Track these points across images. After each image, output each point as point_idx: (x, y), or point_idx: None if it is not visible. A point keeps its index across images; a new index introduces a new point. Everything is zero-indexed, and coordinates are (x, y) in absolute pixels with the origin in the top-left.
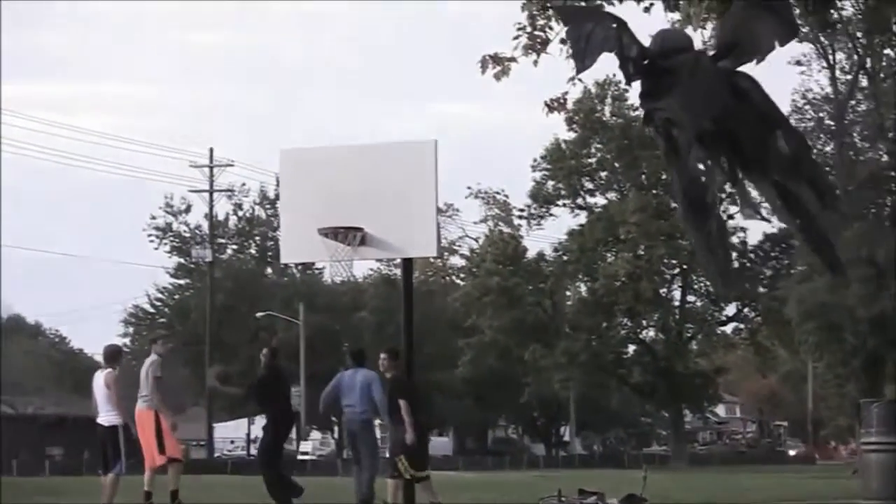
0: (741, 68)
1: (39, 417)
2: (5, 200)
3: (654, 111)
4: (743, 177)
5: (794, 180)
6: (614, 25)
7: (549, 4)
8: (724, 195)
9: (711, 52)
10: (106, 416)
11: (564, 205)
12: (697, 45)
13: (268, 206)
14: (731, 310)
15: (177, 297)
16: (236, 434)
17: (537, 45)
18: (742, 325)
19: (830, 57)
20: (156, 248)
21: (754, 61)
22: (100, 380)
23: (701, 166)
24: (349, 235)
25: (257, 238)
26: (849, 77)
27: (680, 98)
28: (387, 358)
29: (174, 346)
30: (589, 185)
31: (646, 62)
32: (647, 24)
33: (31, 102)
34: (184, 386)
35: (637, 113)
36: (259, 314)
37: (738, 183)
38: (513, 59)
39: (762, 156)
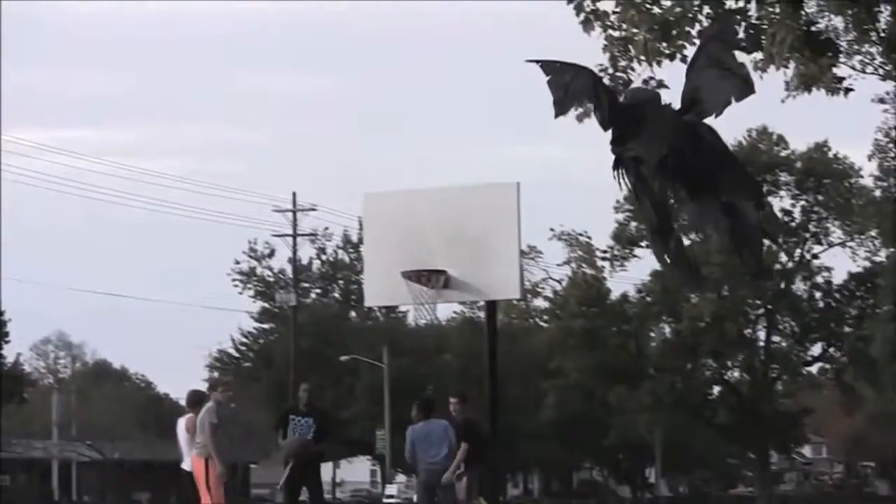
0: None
1: (126, 462)
2: (91, 248)
3: (624, 153)
4: (693, 198)
5: (737, 199)
6: (591, 78)
7: (528, 60)
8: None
9: (678, 107)
10: (189, 461)
11: (648, 246)
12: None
13: (351, 250)
14: (816, 350)
15: (261, 341)
16: (322, 478)
17: (619, 86)
18: (828, 365)
19: None
20: (240, 293)
21: (713, 115)
22: (182, 424)
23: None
24: (433, 278)
25: (341, 282)
26: None
27: (646, 139)
28: (456, 402)
29: (233, 394)
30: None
31: (617, 111)
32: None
33: (111, 148)
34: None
35: None
36: (343, 358)
37: (687, 203)
38: None
39: (713, 182)
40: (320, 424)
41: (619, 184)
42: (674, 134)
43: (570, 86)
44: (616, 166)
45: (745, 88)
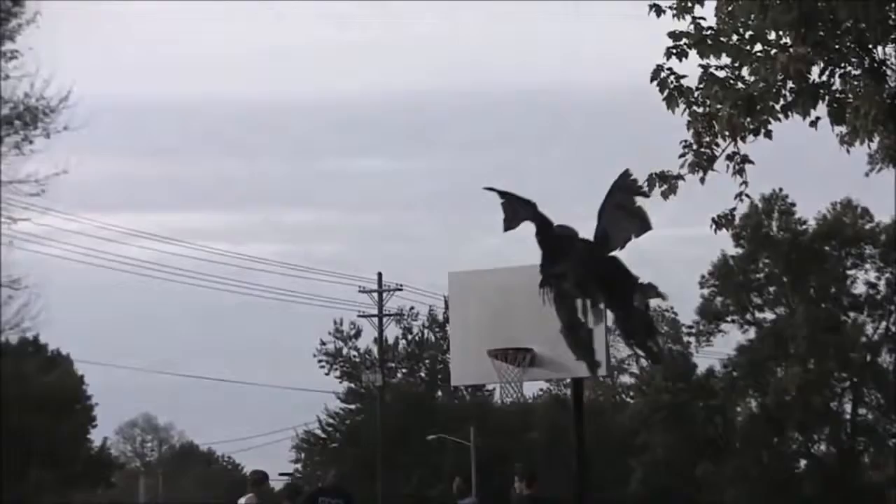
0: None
1: None
2: (169, 328)
3: (552, 271)
4: (607, 305)
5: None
6: (533, 207)
7: (484, 188)
8: (892, 306)
9: (591, 240)
10: None
11: (733, 320)
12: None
13: (437, 329)
14: None
15: (348, 421)
16: None
17: (704, 162)
18: None
19: None
20: (326, 374)
21: (618, 248)
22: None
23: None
24: (518, 356)
25: (427, 361)
26: None
27: (571, 263)
28: (523, 482)
29: (273, 489)
30: (757, 301)
31: (549, 236)
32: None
33: (195, 231)
34: None
35: (804, 227)
36: (430, 437)
37: (600, 307)
38: (680, 177)
39: (619, 291)
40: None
41: (543, 299)
42: (589, 260)
43: (517, 210)
44: (542, 283)
45: (643, 227)
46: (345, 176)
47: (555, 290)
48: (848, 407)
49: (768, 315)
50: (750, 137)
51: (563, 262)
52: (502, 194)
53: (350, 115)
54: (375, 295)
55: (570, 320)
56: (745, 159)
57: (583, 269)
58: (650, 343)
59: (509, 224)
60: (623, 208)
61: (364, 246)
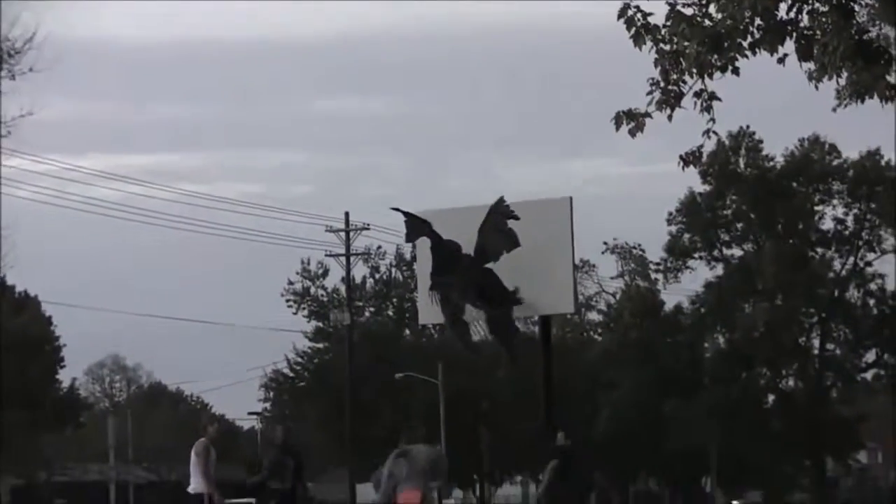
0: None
1: (183, 484)
2: (140, 268)
3: (440, 279)
4: (481, 307)
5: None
6: (429, 225)
7: (392, 207)
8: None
9: (472, 254)
10: (193, 485)
11: (701, 257)
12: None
13: (404, 268)
14: (871, 356)
15: (316, 360)
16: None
17: (671, 100)
18: (882, 371)
19: None
20: (294, 313)
21: (493, 261)
22: (193, 450)
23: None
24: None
25: (395, 300)
26: None
27: (456, 275)
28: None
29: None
30: (725, 237)
31: (440, 249)
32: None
33: (165, 172)
34: (324, 449)
35: (771, 164)
36: (398, 375)
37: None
38: (647, 115)
39: (492, 296)
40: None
41: (432, 301)
42: (470, 271)
43: (416, 227)
44: (432, 288)
45: (513, 243)
46: (314, 117)
47: (441, 294)
48: (816, 342)
49: (736, 251)
50: (717, 74)
51: (450, 272)
52: (405, 214)
53: (320, 55)
54: (343, 234)
55: (453, 319)
56: (713, 96)
57: (465, 279)
58: (509, 341)
59: (410, 238)
60: (497, 229)
61: (333, 186)
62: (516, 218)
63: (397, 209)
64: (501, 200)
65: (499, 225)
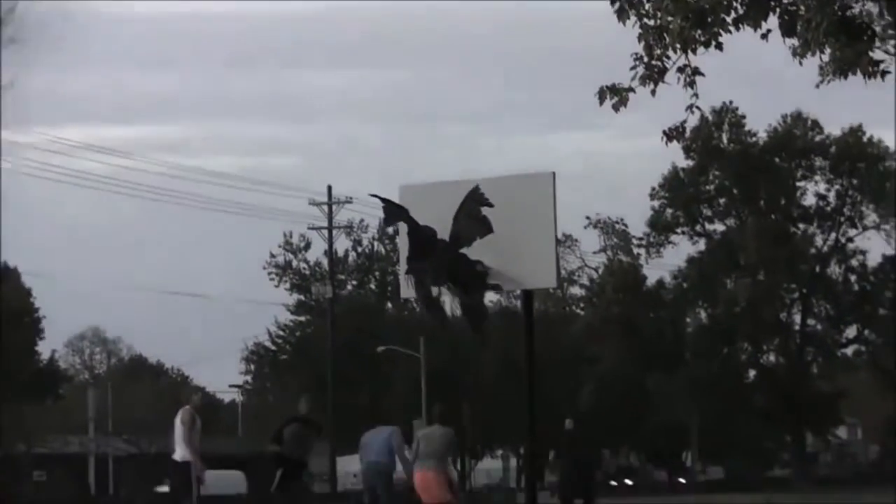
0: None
1: (163, 457)
2: (122, 241)
3: (416, 265)
4: (454, 293)
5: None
6: (406, 211)
7: (370, 194)
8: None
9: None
10: (179, 452)
11: (683, 232)
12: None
13: (387, 242)
14: (851, 332)
15: (298, 333)
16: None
17: (655, 75)
18: (863, 347)
19: None
20: (276, 286)
21: (467, 246)
22: (177, 418)
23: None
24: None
25: (377, 274)
26: None
27: (431, 260)
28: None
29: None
30: (707, 212)
31: (417, 234)
32: (764, 50)
33: (148, 144)
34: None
35: (754, 139)
36: (380, 349)
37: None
38: (630, 90)
39: (465, 281)
40: None
41: (408, 284)
42: (447, 256)
43: (394, 212)
44: (407, 272)
45: (487, 229)
46: (299, 89)
47: (416, 278)
48: (797, 318)
49: (718, 227)
50: (701, 50)
51: (425, 258)
52: (383, 200)
53: (304, 27)
54: (326, 208)
55: (427, 301)
56: (696, 71)
57: (439, 265)
58: (479, 325)
59: (387, 223)
60: (472, 216)
61: (316, 159)
62: (490, 205)
63: (375, 195)
64: (476, 189)
65: (473, 212)
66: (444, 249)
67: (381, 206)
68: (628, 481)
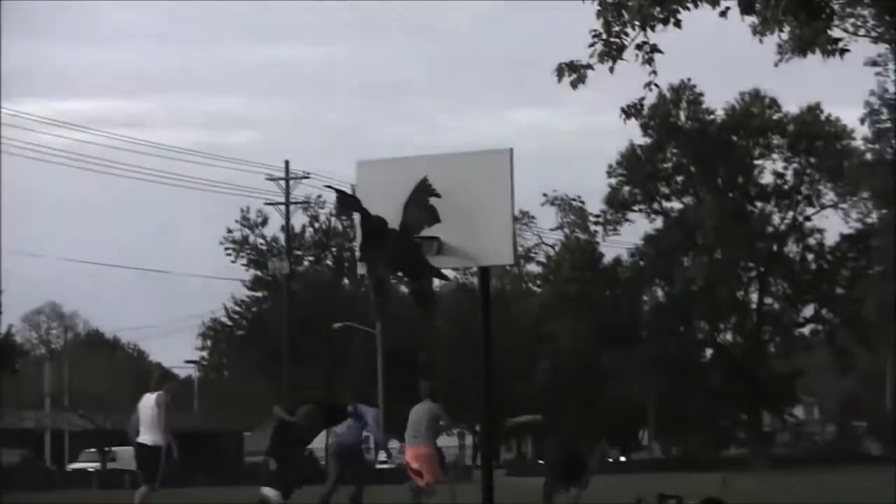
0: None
1: (118, 431)
2: (82, 216)
3: (368, 253)
4: (403, 275)
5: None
6: (360, 202)
7: (325, 185)
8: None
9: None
10: (153, 437)
11: (640, 210)
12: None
13: (344, 218)
14: (808, 311)
15: (254, 309)
16: (315, 444)
17: (613, 52)
18: (820, 327)
19: None
20: (233, 262)
21: (416, 234)
22: (150, 400)
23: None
24: (425, 245)
25: (334, 250)
26: None
27: (383, 248)
28: None
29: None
30: (665, 190)
31: (369, 222)
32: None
33: (105, 119)
34: (262, 397)
35: (712, 117)
36: (336, 325)
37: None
38: (589, 67)
39: (413, 267)
40: None
41: (359, 271)
42: (396, 245)
43: (347, 203)
44: (360, 259)
45: (434, 219)
46: (256, 64)
47: (368, 265)
48: (754, 297)
49: (675, 205)
50: (659, 27)
51: (376, 246)
52: (336, 191)
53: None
54: (283, 183)
55: (377, 284)
56: (654, 49)
57: (389, 253)
58: (429, 310)
59: (341, 212)
60: (420, 206)
61: (273, 134)
62: (438, 195)
63: (330, 187)
64: (424, 180)
65: (421, 202)
66: (394, 238)
67: (340, 174)
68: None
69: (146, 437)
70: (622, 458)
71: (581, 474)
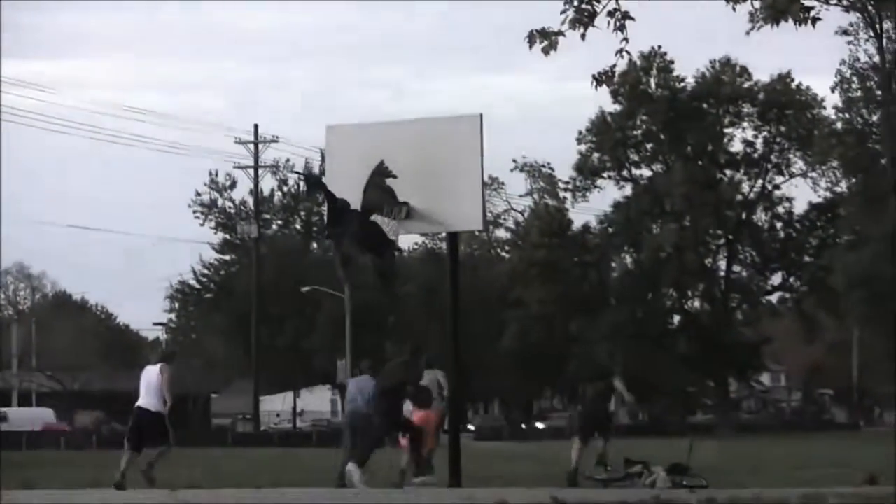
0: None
1: (86, 393)
2: (50, 178)
3: (334, 231)
4: (363, 251)
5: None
6: (326, 187)
7: (292, 171)
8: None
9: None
10: (156, 404)
11: (610, 177)
12: None
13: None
14: (776, 279)
15: (222, 272)
16: (283, 407)
17: (584, 18)
18: (788, 295)
19: (878, 25)
20: (201, 224)
21: (376, 214)
22: (154, 371)
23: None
24: (395, 210)
25: (302, 213)
26: None
27: (347, 227)
28: None
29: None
30: (634, 157)
31: (334, 203)
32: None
33: (76, 81)
34: (230, 360)
35: (682, 85)
36: (304, 289)
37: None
38: (560, 34)
39: (374, 244)
40: None
41: (332, 250)
42: (359, 224)
43: (314, 185)
44: (327, 237)
45: (392, 199)
46: (226, 28)
47: (335, 243)
48: (722, 264)
49: (645, 172)
50: None
51: (341, 224)
52: (305, 175)
53: None
54: (251, 146)
55: (344, 260)
56: (626, 16)
57: (353, 231)
58: (390, 283)
59: (309, 194)
60: (379, 187)
61: (243, 98)
62: (394, 177)
63: (298, 172)
64: (382, 163)
65: (380, 183)
66: (356, 217)
67: (309, 138)
68: (539, 424)
69: (147, 402)
70: None
71: (607, 429)
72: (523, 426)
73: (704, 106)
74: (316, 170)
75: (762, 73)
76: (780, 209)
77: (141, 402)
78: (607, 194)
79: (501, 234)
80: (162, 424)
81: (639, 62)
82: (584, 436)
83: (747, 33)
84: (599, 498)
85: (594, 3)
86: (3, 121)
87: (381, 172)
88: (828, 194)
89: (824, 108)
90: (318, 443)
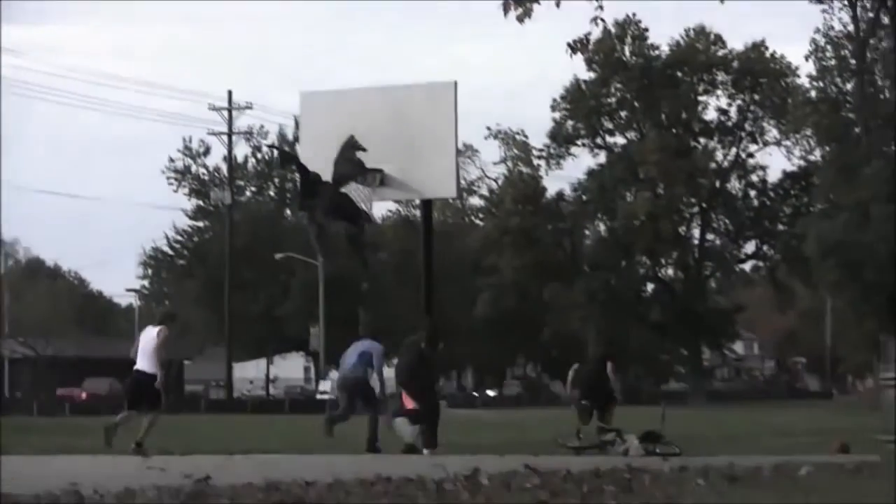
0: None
1: (59, 359)
2: (23, 144)
3: (307, 202)
4: (338, 224)
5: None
6: (299, 160)
7: (268, 145)
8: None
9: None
10: (151, 367)
11: (584, 144)
12: None
13: (287, 149)
14: (750, 248)
15: (196, 239)
16: (256, 374)
17: None
18: (761, 263)
19: None
20: (175, 191)
21: (346, 185)
22: (152, 333)
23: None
24: (369, 176)
25: (276, 180)
26: (870, 15)
27: (319, 198)
28: None
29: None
30: (608, 125)
31: (308, 177)
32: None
33: (49, 47)
34: (203, 327)
35: (657, 53)
36: (278, 256)
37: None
38: (535, 1)
39: (347, 215)
40: None
41: (305, 221)
42: (331, 196)
43: (287, 159)
44: (300, 209)
45: (362, 170)
46: None
47: (308, 215)
48: (696, 232)
49: (619, 140)
50: None
51: (313, 196)
52: (278, 150)
53: None
54: (225, 113)
55: (318, 230)
56: None
57: (325, 202)
58: (362, 253)
59: (282, 167)
60: (348, 159)
61: (217, 64)
62: (364, 150)
63: (271, 145)
64: (352, 138)
65: (350, 156)
66: (328, 189)
67: (283, 106)
68: (490, 392)
69: (143, 364)
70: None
71: (606, 399)
72: (475, 394)
73: (678, 74)
74: (290, 136)
75: (736, 42)
76: (754, 177)
77: (138, 365)
78: (581, 162)
79: (475, 201)
80: (150, 386)
81: (613, 30)
82: (583, 410)
83: (722, 1)
84: (572, 465)
85: None
86: None
87: (351, 146)
88: (801, 163)
89: (798, 76)
90: (290, 410)
